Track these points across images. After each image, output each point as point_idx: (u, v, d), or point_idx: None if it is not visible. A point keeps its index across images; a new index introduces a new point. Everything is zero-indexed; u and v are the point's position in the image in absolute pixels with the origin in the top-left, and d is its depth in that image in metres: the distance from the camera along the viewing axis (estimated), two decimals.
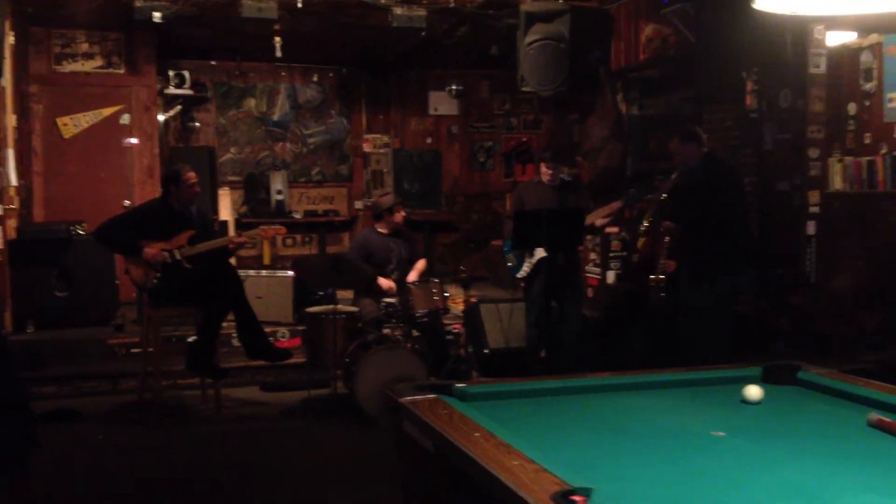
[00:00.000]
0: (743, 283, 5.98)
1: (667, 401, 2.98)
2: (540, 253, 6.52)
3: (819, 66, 5.84)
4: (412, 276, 6.85)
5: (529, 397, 3.02)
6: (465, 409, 2.73)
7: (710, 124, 7.38)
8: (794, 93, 5.97)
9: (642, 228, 6.66)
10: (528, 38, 7.43)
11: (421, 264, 7.16)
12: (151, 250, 5.92)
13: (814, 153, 5.90)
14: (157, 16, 7.06)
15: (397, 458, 3.01)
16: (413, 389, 2.97)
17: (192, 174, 6.12)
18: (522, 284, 6.82)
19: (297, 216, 10.94)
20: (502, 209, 11.82)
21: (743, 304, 6.12)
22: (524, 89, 7.63)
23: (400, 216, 7.07)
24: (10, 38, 7.55)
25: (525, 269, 6.62)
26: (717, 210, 5.70)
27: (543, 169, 6.68)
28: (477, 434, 2.44)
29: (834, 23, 5.78)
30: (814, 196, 5.88)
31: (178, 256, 6.01)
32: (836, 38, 6.00)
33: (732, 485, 2.11)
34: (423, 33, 7.83)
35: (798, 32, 5.83)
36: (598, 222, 6.67)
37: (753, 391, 2.87)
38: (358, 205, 11.46)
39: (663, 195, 6.18)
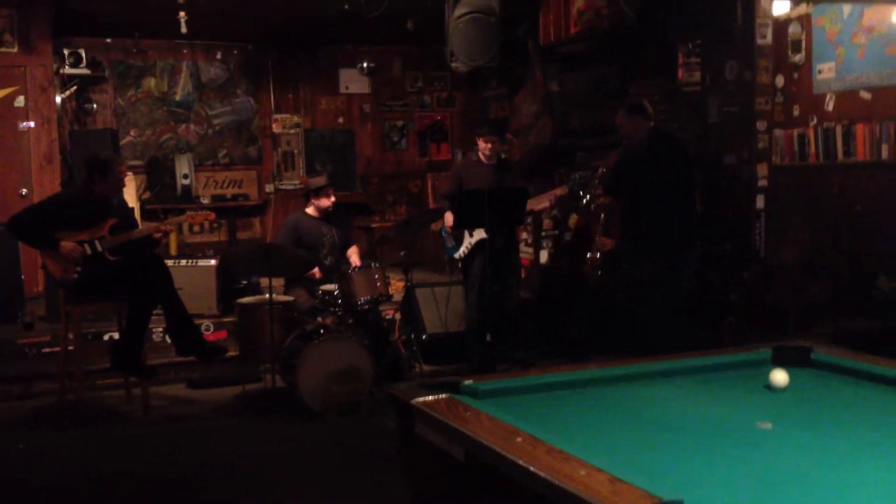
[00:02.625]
0: (688, 259, 5.93)
1: (686, 389, 2.82)
2: (480, 234, 6.31)
3: (766, 37, 5.81)
4: (355, 262, 6.54)
5: (543, 391, 2.81)
6: (486, 410, 2.50)
7: (636, 98, 7.30)
8: (740, 64, 5.93)
9: (581, 204, 6.53)
10: (458, 12, 7.18)
11: (354, 250, 6.87)
12: (69, 244, 5.42)
13: (761, 125, 5.88)
14: None
15: (406, 466, 2.74)
16: (420, 388, 2.72)
17: (123, 167, 5.72)
18: (459, 266, 6.61)
19: (205, 201, 10.42)
20: (417, 189, 11.59)
21: (689, 280, 6.08)
22: (454, 65, 7.37)
23: (329, 200, 6.75)
24: None
25: (463, 249, 6.40)
26: (661, 184, 5.62)
27: (481, 144, 6.43)
28: (519, 439, 2.21)
29: None
30: (762, 169, 5.86)
31: (99, 248, 5.54)
32: (777, 9, 5.97)
33: (824, 485, 1.95)
34: (347, 6, 7.48)
35: (745, 3, 5.77)
36: (538, 208, 6.48)
37: (781, 377, 2.73)
38: (269, 188, 11.00)
39: (602, 169, 6.07)
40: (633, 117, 5.69)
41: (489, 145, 6.39)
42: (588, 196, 6.36)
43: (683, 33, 6.58)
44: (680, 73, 6.84)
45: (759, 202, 5.89)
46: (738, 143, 6.04)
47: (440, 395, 2.65)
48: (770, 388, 2.74)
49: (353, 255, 6.73)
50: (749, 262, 5.96)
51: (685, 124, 6.61)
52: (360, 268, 6.25)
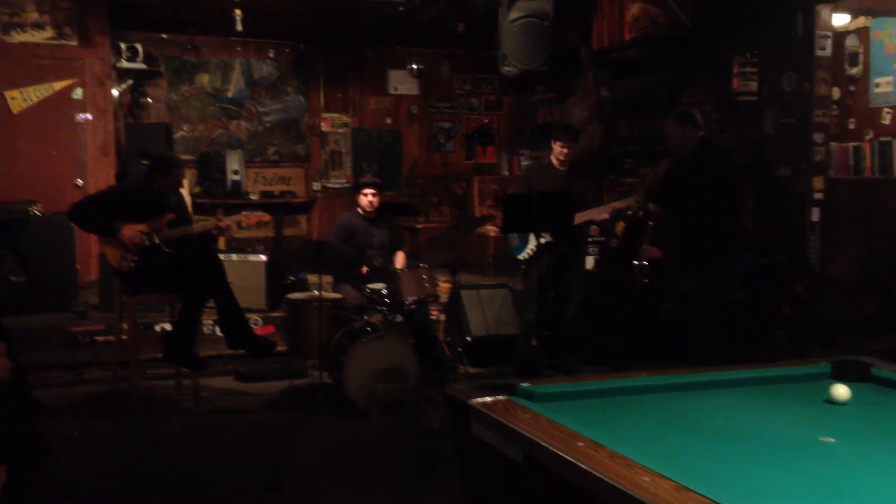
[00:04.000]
0: (733, 269, 5.88)
1: (745, 400, 2.82)
2: (545, 236, 6.30)
3: (825, 49, 5.75)
4: (398, 267, 6.60)
5: (600, 397, 2.83)
6: (544, 413, 2.52)
7: (686, 108, 7.25)
8: (799, 76, 5.87)
9: (629, 213, 6.50)
10: (511, 16, 7.22)
11: (401, 256, 6.91)
12: (128, 232, 5.55)
13: (818, 138, 5.83)
14: None
15: (460, 466, 2.77)
16: (477, 389, 2.75)
17: (183, 170, 5.88)
18: (523, 267, 6.59)
19: (254, 197, 10.55)
20: (462, 191, 11.62)
21: (739, 291, 6.03)
22: (505, 69, 7.40)
23: (366, 198, 6.77)
24: None
25: (528, 251, 6.38)
26: (709, 195, 5.58)
27: (558, 148, 6.39)
28: (580, 443, 2.23)
29: (839, 4, 5.70)
30: (818, 182, 5.81)
31: (156, 240, 5.65)
32: (837, 21, 5.92)
33: (889, 502, 1.95)
34: (402, 7, 7.53)
35: (806, 14, 5.73)
36: (598, 218, 6.45)
37: (843, 391, 2.71)
38: (316, 186, 11.09)
39: (651, 178, 6.04)
40: (682, 126, 5.65)
41: (566, 150, 6.36)
42: (636, 204, 6.33)
43: (740, 43, 6.54)
44: (735, 82, 6.80)
45: (815, 215, 5.83)
46: (794, 155, 5.98)
47: (498, 397, 2.67)
48: (831, 402, 2.73)
49: (399, 260, 6.78)
50: (801, 274, 5.90)
51: (738, 134, 6.56)
52: (408, 268, 6.30)
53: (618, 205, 6.35)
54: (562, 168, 6.37)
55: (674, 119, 5.79)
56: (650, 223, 7.07)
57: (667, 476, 1.97)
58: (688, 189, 5.70)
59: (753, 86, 6.46)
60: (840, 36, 6.58)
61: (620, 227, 7.94)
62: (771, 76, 6.18)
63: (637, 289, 7.06)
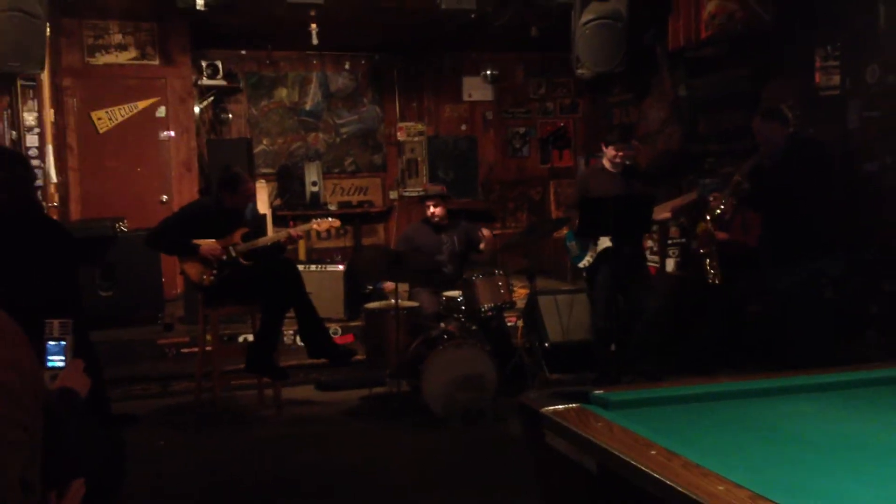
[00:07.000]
0: (829, 270, 5.70)
1: (831, 405, 2.71)
2: (605, 242, 6.23)
3: None
4: (487, 234, 6.62)
5: (676, 404, 2.75)
6: (617, 420, 2.47)
7: (768, 103, 7.07)
8: (884, 68, 5.68)
9: (716, 214, 6.35)
10: (584, 18, 7.15)
11: (487, 233, 6.85)
12: (206, 248, 5.68)
13: None
14: (200, 3, 6.75)
15: (538, 476, 2.74)
16: (550, 397, 2.71)
17: (251, 183, 5.94)
18: (585, 275, 6.54)
19: (332, 208, 10.68)
20: (538, 196, 11.56)
21: (830, 291, 5.84)
22: (579, 71, 7.33)
23: (429, 210, 6.80)
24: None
25: (588, 258, 6.33)
26: (797, 193, 5.42)
27: (611, 152, 6.33)
28: (653, 451, 2.17)
29: None
30: None
31: (233, 254, 5.77)
32: None
33: None
34: (473, 15, 7.52)
35: (889, 5, 5.53)
36: (660, 217, 6.35)
37: None
38: (393, 195, 11.18)
39: (737, 177, 5.91)
40: (769, 123, 5.53)
41: (620, 153, 6.29)
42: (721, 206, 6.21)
43: (821, 35, 6.35)
44: (817, 76, 6.60)
45: None
46: (881, 150, 5.79)
47: (570, 405, 2.63)
48: None
49: (485, 234, 6.76)
50: (891, 272, 5.70)
51: (822, 129, 6.38)
52: (483, 275, 6.28)
53: (678, 202, 6.24)
54: (615, 171, 6.29)
55: (760, 116, 5.67)
56: (708, 216, 6.82)
57: (743, 485, 1.90)
58: (774, 187, 5.56)
59: (836, 80, 6.27)
60: None
61: (701, 228, 7.78)
62: (854, 69, 5.99)
63: (711, 279, 6.87)
